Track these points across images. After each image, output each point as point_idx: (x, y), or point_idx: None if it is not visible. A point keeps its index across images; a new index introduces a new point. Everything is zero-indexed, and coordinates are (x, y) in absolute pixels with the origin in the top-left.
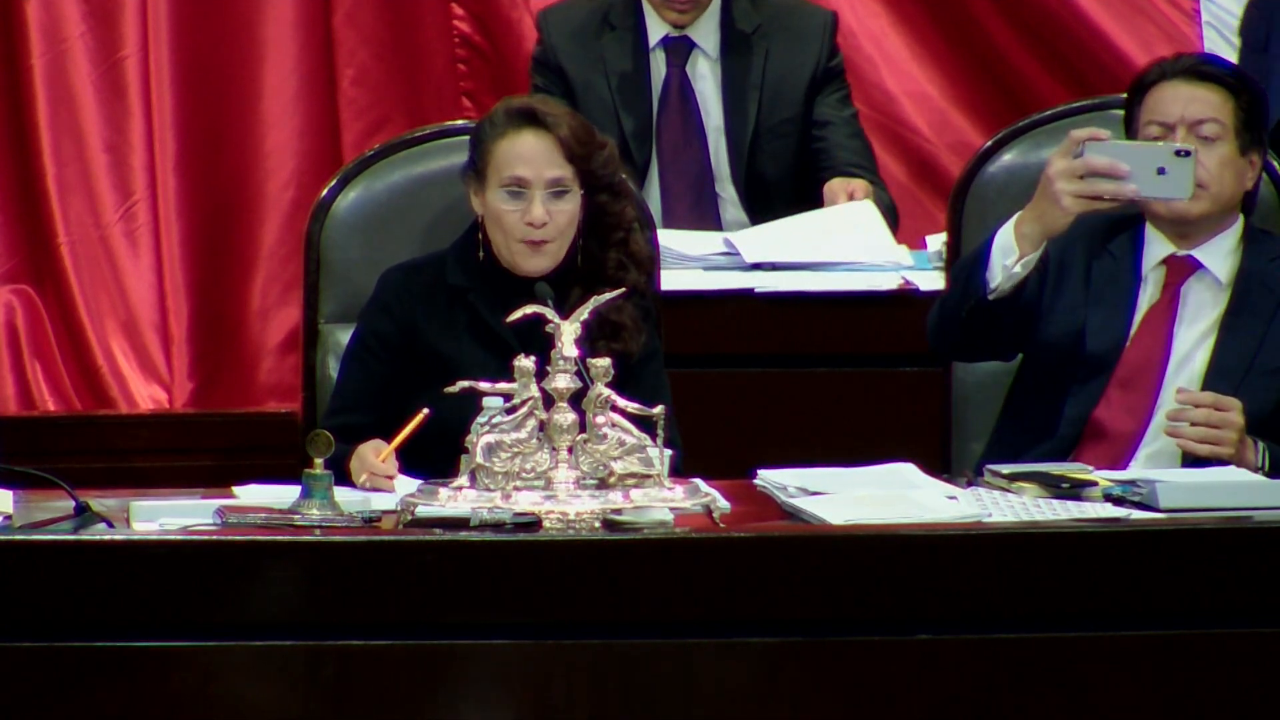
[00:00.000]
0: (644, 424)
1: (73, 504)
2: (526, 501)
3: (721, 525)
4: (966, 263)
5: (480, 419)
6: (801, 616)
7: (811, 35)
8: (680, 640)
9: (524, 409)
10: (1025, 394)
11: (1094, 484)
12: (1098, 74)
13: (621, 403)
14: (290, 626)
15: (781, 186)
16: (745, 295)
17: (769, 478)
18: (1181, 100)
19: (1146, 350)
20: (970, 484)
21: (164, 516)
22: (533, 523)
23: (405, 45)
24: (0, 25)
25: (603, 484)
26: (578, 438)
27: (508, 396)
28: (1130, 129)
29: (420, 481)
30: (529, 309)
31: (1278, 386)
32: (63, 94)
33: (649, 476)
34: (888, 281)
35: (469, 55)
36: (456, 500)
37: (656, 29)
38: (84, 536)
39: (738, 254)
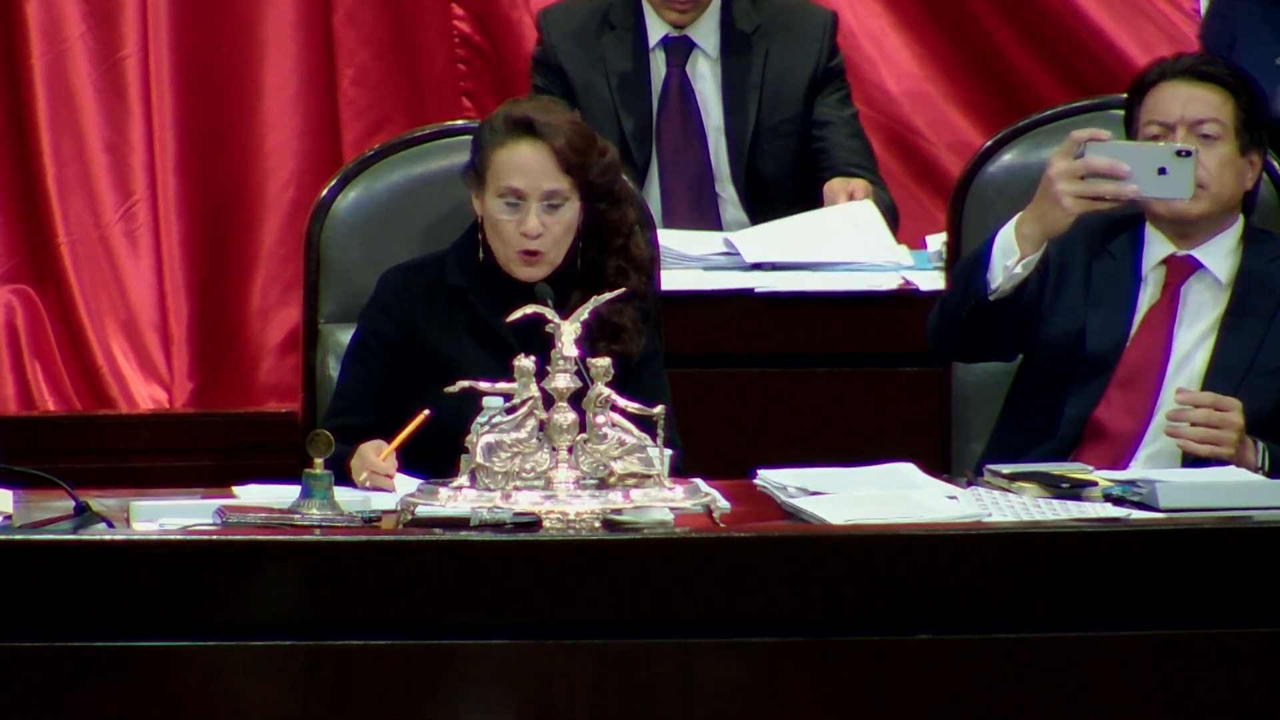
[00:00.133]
0: (644, 424)
1: (73, 504)
2: (526, 501)
3: (721, 525)
4: (967, 263)
5: (480, 419)
6: (801, 616)
7: (811, 35)
8: (680, 640)
9: (524, 409)
10: (1025, 394)
11: (1094, 484)
12: (1098, 74)
13: (621, 403)
14: (290, 626)
15: (781, 186)
16: (745, 295)
17: (769, 478)
18: (1181, 100)
19: (1146, 350)
20: (970, 484)
21: (164, 516)
22: (533, 523)
23: (405, 45)
24: (0, 25)
25: (603, 484)
26: (578, 438)
27: (508, 396)
28: (1130, 129)
29: (420, 481)
30: (529, 309)
31: (1278, 386)
32: (63, 94)
33: (649, 476)
34: (888, 281)
35: (469, 55)
36: (456, 500)
37: (656, 29)
38: (84, 536)
39: (738, 254)
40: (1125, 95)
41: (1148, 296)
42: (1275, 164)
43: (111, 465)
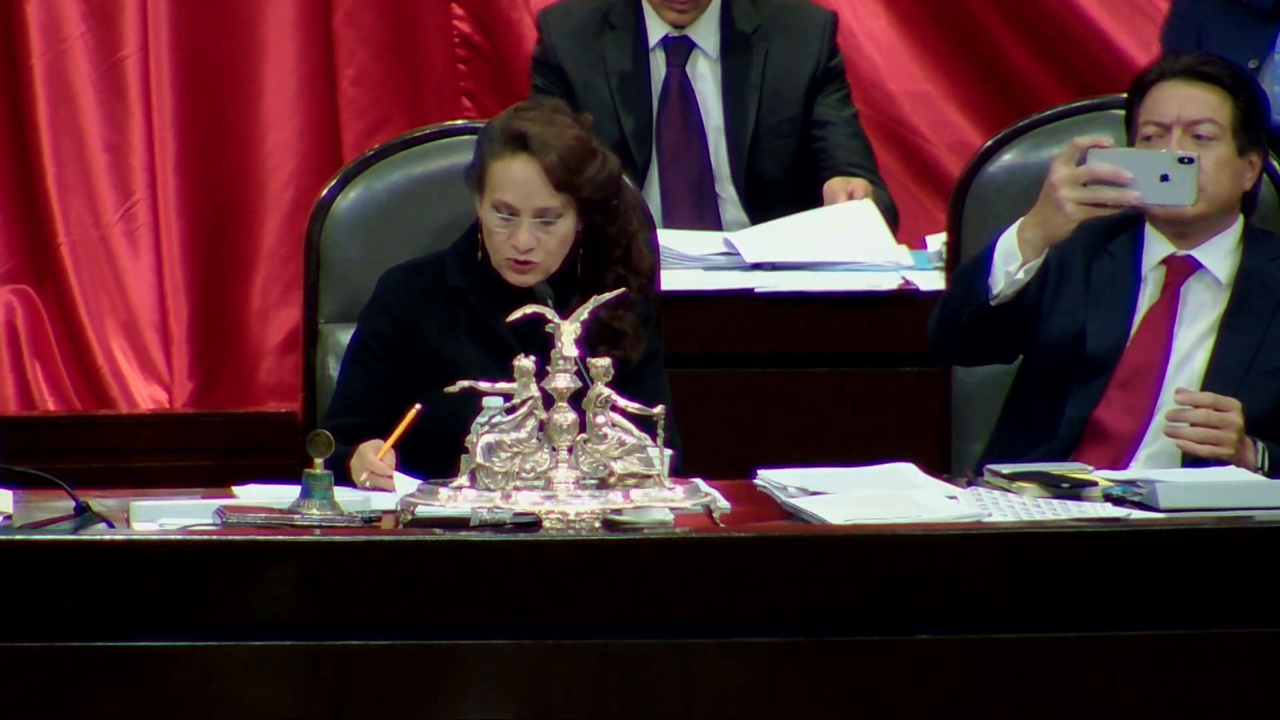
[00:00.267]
0: (644, 424)
1: (73, 504)
2: (526, 501)
3: (721, 525)
4: (968, 268)
5: (480, 419)
6: (801, 616)
7: (811, 35)
8: (680, 640)
9: (524, 409)
10: (1025, 395)
11: (1094, 484)
12: (1098, 74)
13: (621, 403)
14: (290, 626)
15: (781, 186)
16: (745, 295)
17: (769, 478)
18: (1178, 100)
19: (1146, 350)
20: (970, 484)
21: (164, 516)
22: (533, 523)
23: (405, 45)
24: (0, 25)
25: (603, 484)
26: (578, 438)
27: (508, 396)
28: (1130, 128)
29: (420, 481)
30: (529, 309)
31: (1277, 387)
32: (63, 94)
33: (649, 476)
34: (888, 281)
35: (469, 55)
36: (456, 500)
37: (656, 29)
38: (84, 536)
39: (738, 254)
40: (1125, 95)
41: (1147, 296)
42: (1276, 164)
43: (111, 465)
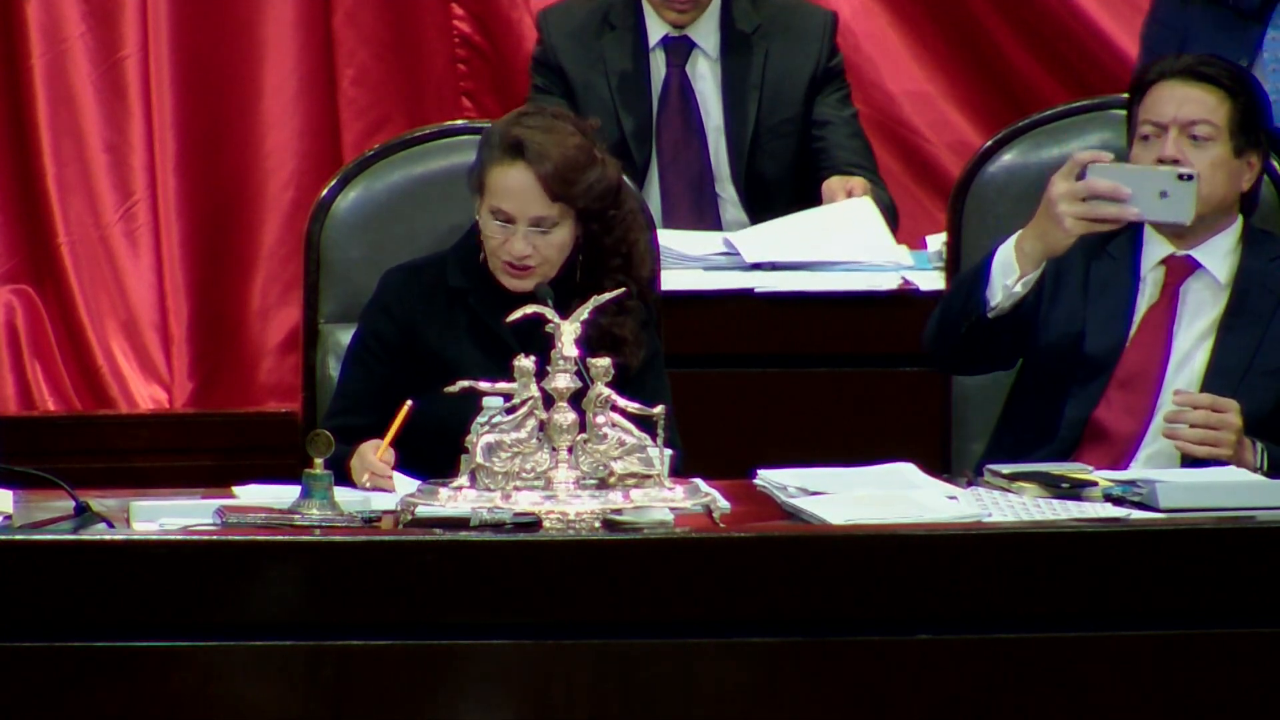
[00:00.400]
0: (644, 424)
1: (73, 504)
2: (526, 501)
3: (721, 525)
4: (964, 280)
5: (480, 419)
6: (801, 616)
7: (811, 35)
8: (680, 640)
9: (524, 409)
10: (1025, 396)
11: (1094, 484)
12: (1098, 74)
13: (621, 403)
14: (290, 626)
15: (781, 186)
16: (745, 295)
17: (769, 478)
18: (1176, 101)
19: (1146, 351)
20: (970, 484)
21: (164, 516)
22: (533, 523)
23: (405, 45)
24: (0, 25)
25: (603, 484)
26: (578, 438)
27: (508, 396)
28: (1130, 127)
29: (420, 481)
30: (529, 309)
31: (1277, 387)
32: (63, 94)
33: (649, 476)
34: (887, 281)
35: (469, 55)
36: (456, 500)
37: (656, 29)
38: (84, 536)
39: (738, 254)
40: (1125, 95)
41: (1147, 297)
42: (1276, 164)
43: (111, 465)
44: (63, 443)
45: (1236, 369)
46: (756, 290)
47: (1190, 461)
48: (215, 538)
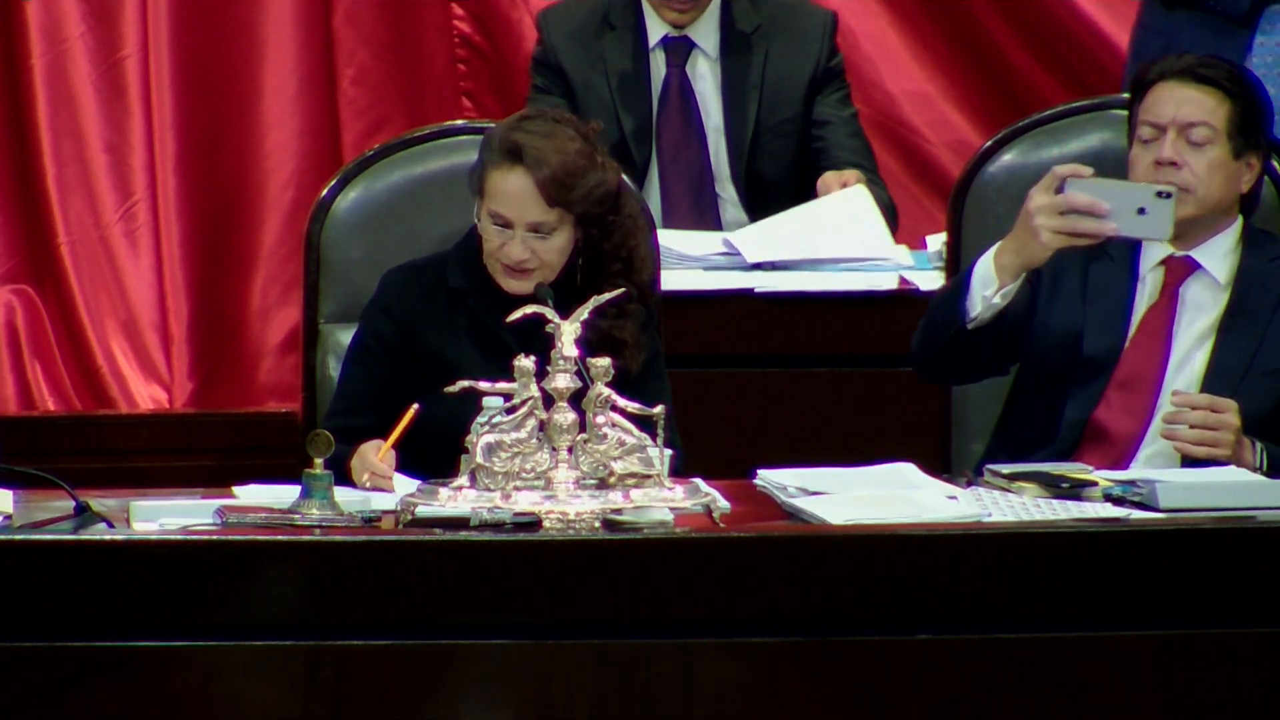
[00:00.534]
0: (644, 424)
1: (73, 504)
2: (526, 501)
3: (721, 525)
4: (946, 291)
5: (480, 419)
6: (801, 616)
7: (811, 35)
8: (680, 640)
9: (524, 409)
10: (1024, 397)
11: (1094, 484)
12: (1098, 74)
13: (621, 402)
14: (290, 626)
15: (781, 186)
16: (745, 295)
17: (769, 478)
18: (1175, 102)
19: (1146, 351)
20: (970, 484)
21: (164, 516)
22: (533, 523)
23: (405, 45)
24: (0, 25)
25: (603, 484)
26: (578, 438)
27: (508, 396)
28: (1130, 127)
29: (420, 481)
30: (529, 309)
31: (1276, 387)
32: (63, 94)
33: (649, 476)
34: (887, 281)
35: (469, 55)
36: (456, 500)
37: (656, 29)
38: (84, 536)
39: (738, 254)
40: (1125, 95)
41: (1146, 297)
42: (1276, 165)
43: (111, 465)
44: (63, 443)
45: (1236, 369)
46: (756, 290)
47: (1190, 462)
48: (215, 538)
